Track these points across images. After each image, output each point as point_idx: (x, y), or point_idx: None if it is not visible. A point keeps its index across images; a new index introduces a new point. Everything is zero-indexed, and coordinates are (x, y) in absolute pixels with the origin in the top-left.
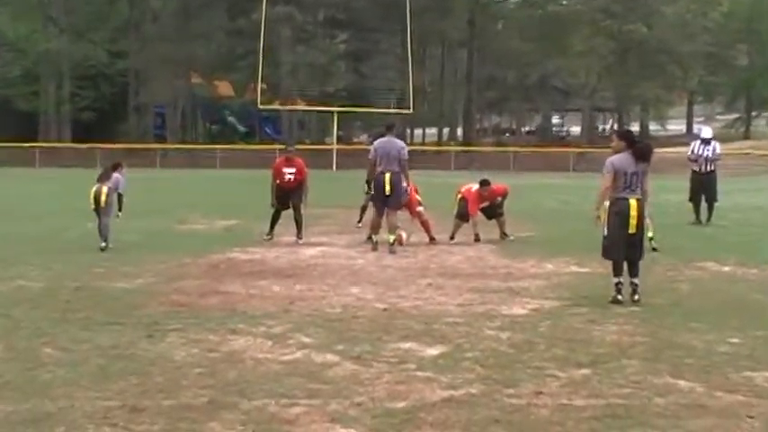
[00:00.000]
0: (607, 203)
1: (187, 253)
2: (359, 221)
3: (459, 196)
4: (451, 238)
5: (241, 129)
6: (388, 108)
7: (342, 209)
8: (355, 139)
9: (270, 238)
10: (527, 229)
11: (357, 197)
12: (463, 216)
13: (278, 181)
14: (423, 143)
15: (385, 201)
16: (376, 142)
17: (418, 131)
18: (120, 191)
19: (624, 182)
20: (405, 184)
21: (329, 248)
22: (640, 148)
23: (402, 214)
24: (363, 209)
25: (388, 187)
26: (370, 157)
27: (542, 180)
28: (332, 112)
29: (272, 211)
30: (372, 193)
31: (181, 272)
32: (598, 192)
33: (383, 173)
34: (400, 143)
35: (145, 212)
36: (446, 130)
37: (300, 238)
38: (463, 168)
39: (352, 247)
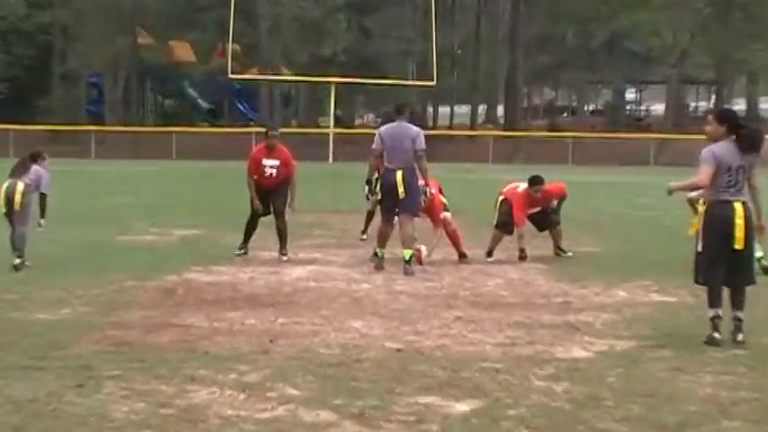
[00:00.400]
0: (702, 208)
1: (131, 273)
2: (363, 232)
3: (501, 199)
4: (489, 254)
5: (204, 105)
6: (404, 79)
7: (341, 214)
8: (359, 121)
9: (243, 253)
10: (591, 242)
11: (361, 199)
12: (506, 225)
13: (255, 177)
14: (450, 126)
15: (396, 205)
16: (382, 129)
17: (444, 110)
18: (42, 189)
19: (728, 179)
20: (422, 183)
21: (323, 268)
22: (747, 135)
23: (421, 222)
24: (369, 215)
25: (400, 188)
26: (373, 147)
27: (612, 177)
28: (328, 85)
29: (246, 216)
30: (377, 196)
31: (122, 299)
32: (689, 186)
33: (393, 170)
34: (415, 129)
35: (74, 218)
36: (482, 109)
37: (285, 254)
38: (505, 161)
39: (353, 267)
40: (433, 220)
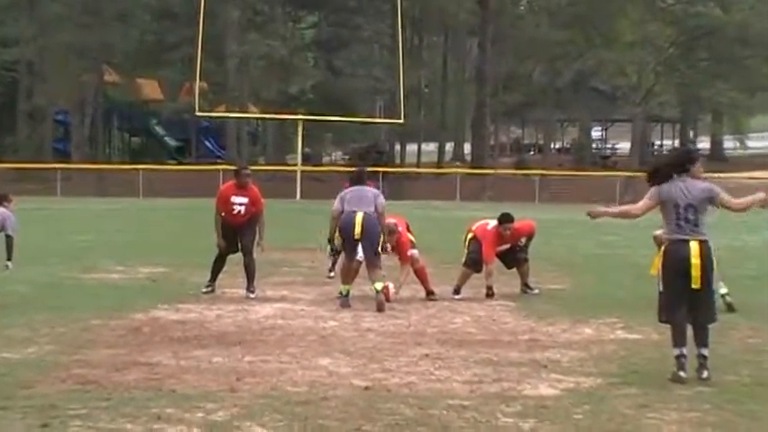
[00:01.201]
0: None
1: (97, 312)
2: (331, 270)
3: (470, 236)
4: (456, 291)
5: (172, 143)
6: (373, 117)
7: (308, 252)
8: (327, 159)
9: (210, 291)
10: (557, 280)
11: (325, 232)
12: (475, 263)
13: (223, 214)
14: (418, 164)
15: (356, 245)
16: (343, 192)
17: (412, 148)
18: (8, 232)
19: (676, 217)
20: (392, 221)
21: (291, 305)
22: (678, 155)
23: (388, 260)
24: (337, 253)
25: (358, 228)
26: (335, 207)
27: (578, 215)
28: (296, 122)
29: (214, 254)
30: (336, 249)
31: (88, 337)
32: (619, 214)
33: (353, 211)
34: (374, 191)
35: (40, 256)
36: (449, 147)
37: (252, 292)
38: (472, 198)
39: (321, 304)
40: (401, 258)
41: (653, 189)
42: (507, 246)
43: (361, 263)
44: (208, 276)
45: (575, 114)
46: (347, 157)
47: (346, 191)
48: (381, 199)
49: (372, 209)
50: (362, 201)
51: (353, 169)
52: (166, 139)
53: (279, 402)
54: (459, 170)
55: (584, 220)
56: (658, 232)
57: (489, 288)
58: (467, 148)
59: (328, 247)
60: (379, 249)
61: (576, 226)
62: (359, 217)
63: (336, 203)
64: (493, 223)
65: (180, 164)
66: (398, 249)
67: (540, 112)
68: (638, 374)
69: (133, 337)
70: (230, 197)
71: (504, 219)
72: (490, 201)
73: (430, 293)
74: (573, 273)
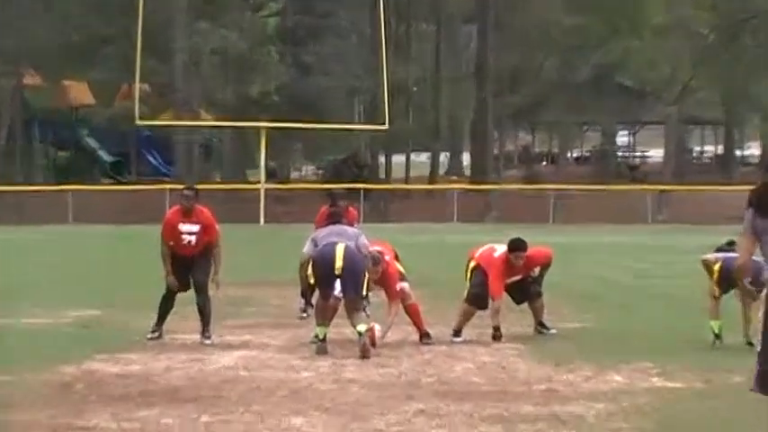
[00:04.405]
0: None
1: (18, 365)
2: (304, 310)
3: (473, 265)
4: (456, 333)
5: (107, 158)
6: (351, 122)
7: (276, 287)
8: (296, 175)
9: (157, 337)
10: (578, 316)
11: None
12: (479, 299)
13: (171, 244)
14: (407, 179)
15: (333, 279)
16: (314, 233)
17: (399, 159)
18: None
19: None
20: (377, 249)
21: (256, 353)
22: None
23: (374, 296)
24: (311, 289)
25: (339, 262)
26: (304, 251)
27: (601, 238)
28: (258, 130)
29: (161, 292)
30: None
31: (7, 396)
32: (739, 259)
33: (333, 243)
34: (355, 229)
35: None
36: (444, 158)
37: (208, 337)
38: (473, 219)
39: (293, 351)
40: (388, 293)
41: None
42: (518, 277)
43: (339, 299)
44: (154, 319)
45: (595, 116)
46: (320, 171)
47: (320, 230)
48: (364, 239)
49: (353, 244)
50: (342, 235)
51: (329, 207)
52: (100, 152)
53: None
54: (457, 185)
55: (610, 244)
56: (709, 257)
57: (496, 329)
58: (466, 158)
59: (301, 301)
60: (364, 292)
61: (598, 251)
62: (340, 249)
63: (306, 247)
64: (501, 249)
65: (117, 183)
66: (385, 283)
67: (554, 114)
68: (678, 430)
69: (63, 395)
70: (177, 225)
71: (516, 245)
72: (495, 222)
73: (424, 336)
74: (597, 307)
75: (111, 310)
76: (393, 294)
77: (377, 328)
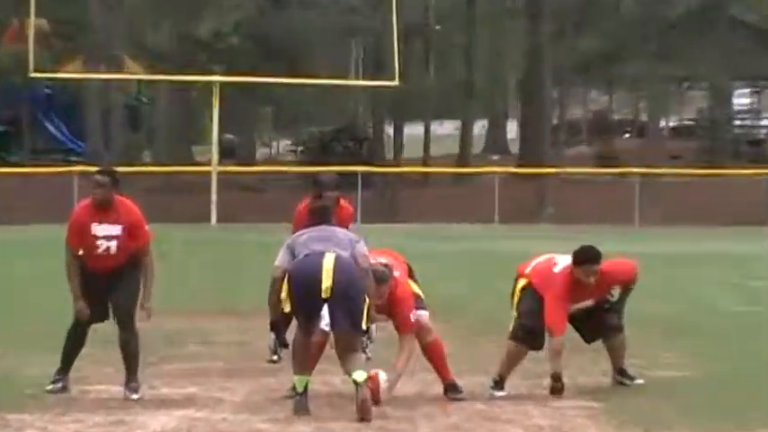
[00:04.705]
0: None
1: None
2: (275, 351)
3: (523, 285)
4: (498, 384)
5: None
6: (344, 78)
7: (233, 316)
8: (263, 153)
9: (60, 389)
10: (675, 360)
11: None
12: (531, 334)
13: (81, 253)
14: (425, 160)
15: (319, 305)
16: (292, 238)
17: (414, 131)
18: None
19: None
20: (365, 285)
21: (204, 414)
22: None
23: (380, 331)
24: (286, 320)
25: (326, 280)
26: (277, 264)
27: (711, 246)
28: (209, 87)
29: (67, 325)
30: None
31: None
32: None
33: (319, 253)
34: (350, 234)
35: None
36: (480, 128)
37: (135, 390)
38: (521, 218)
39: (258, 411)
40: (399, 326)
41: None
42: (589, 303)
43: (327, 336)
44: (56, 364)
45: (700, 69)
46: (300, 148)
47: (299, 234)
48: (363, 247)
49: (347, 254)
50: (332, 241)
51: (312, 200)
52: None
53: None
54: (499, 169)
55: (721, 255)
56: None
57: (556, 378)
58: (511, 129)
59: (271, 337)
60: (364, 323)
61: (703, 264)
62: (329, 261)
63: (280, 258)
64: (563, 262)
65: (2, 164)
66: (394, 311)
67: (640, 66)
68: None
69: None
70: (89, 226)
71: (585, 256)
72: (553, 222)
73: (451, 388)
74: (701, 345)
75: None
76: (405, 327)
77: (382, 376)
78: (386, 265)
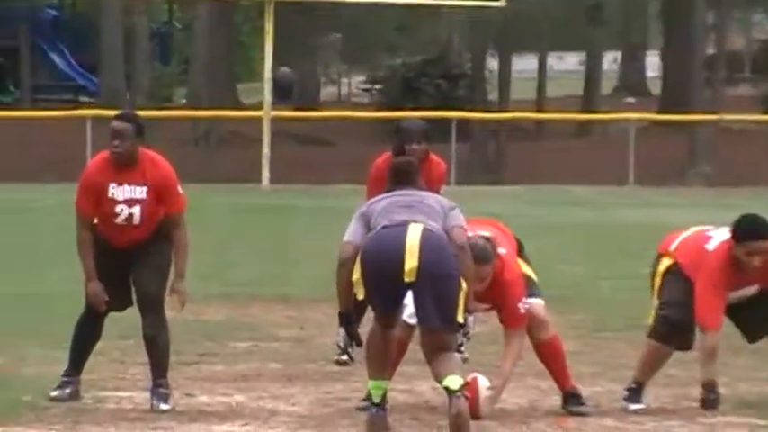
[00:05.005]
0: None
1: None
2: (344, 349)
3: (667, 266)
4: (634, 393)
5: None
6: None
7: (289, 304)
8: (329, 92)
9: (69, 395)
10: None
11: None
12: (676, 329)
13: (96, 222)
14: (539, 104)
15: (401, 292)
16: (366, 204)
17: (524, 65)
18: None
19: None
20: (461, 266)
21: (253, 428)
22: None
23: (479, 325)
24: (359, 309)
25: (410, 259)
26: (347, 240)
27: None
28: (261, 4)
29: (77, 314)
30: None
31: None
32: None
33: (400, 224)
34: (442, 199)
35: None
36: (611, 62)
37: (164, 397)
38: (664, 179)
39: (323, 426)
40: (506, 317)
41: None
42: (752, 290)
43: (411, 331)
44: (64, 363)
45: None
46: (375, 87)
47: (376, 199)
48: (458, 216)
49: (438, 226)
50: (418, 209)
51: (393, 155)
52: None
53: None
54: (635, 115)
55: None
56: None
57: (709, 386)
58: (652, 64)
59: (340, 333)
60: (460, 315)
61: None
62: (413, 234)
63: (352, 229)
64: (719, 237)
65: None
66: (499, 299)
67: None
68: None
69: None
70: (106, 187)
71: (749, 230)
72: (705, 185)
73: (571, 398)
74: None
75: None
76: (514, 320)
77: (483, 382)
78: (488, 240)
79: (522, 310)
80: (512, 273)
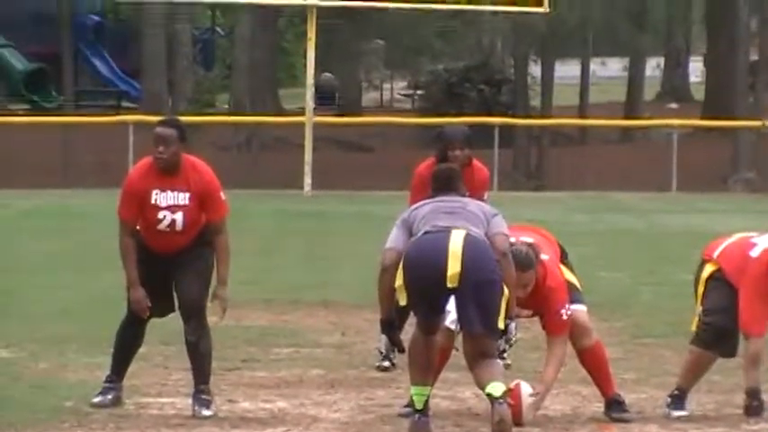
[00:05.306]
0: None
1: None
2: (386, 355)
3: (710, 272)
4: (678, 400)
5: (19, 65)
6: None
7: (331, 309)
8: (371, 97)
9: (114, 400)
10: None
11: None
12: (721, 336)
13: (138, 228)
14: (581, 110)
15: (444, 298)
16: (409, 211)
17: (567, 71)
18: None
19: None
20: (503, 273)
21: None
22: None
23: (522, 332)
24: (401, 315)
25: (454, 265)
26: (389, 247)
27: None
28: (304, 10)
29: (119, 319)
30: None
31: None
32: None
33: (443, 230)
34: (484, 205)
35: None
36: (655, 68)
37: (207, 404)
38: (708, 186)
39: (367, 431)
40: (548, 323)
41: None
42: None
43: (454, 337)
44: (106, 369)
45: None
46: (417, 93)
47: (418, 205)
48: (500, 223)
49: (481, 232)
50: (460, 215)
51: (435, 161)
52: (8, 57)
53: None
54: (678, 121)
55: None
56: None
57: (754, 393)
58: (695, 70)
59: (382, 340)
60: (501, 322)
61: None
62: (456, 240)
63: (393, 237)
64: (763, 243)
65: (35, 110)
66: (542, 305)
67: None
68: None
69: None
70: (149, 193)
71: None
72: (749, 191)
73: (613, 405)
74: None
75: (29, 348)
76: (557, 326)
77: (525, 389)
78: (531, 246)
79: (565, 317)
80: (554, 279)
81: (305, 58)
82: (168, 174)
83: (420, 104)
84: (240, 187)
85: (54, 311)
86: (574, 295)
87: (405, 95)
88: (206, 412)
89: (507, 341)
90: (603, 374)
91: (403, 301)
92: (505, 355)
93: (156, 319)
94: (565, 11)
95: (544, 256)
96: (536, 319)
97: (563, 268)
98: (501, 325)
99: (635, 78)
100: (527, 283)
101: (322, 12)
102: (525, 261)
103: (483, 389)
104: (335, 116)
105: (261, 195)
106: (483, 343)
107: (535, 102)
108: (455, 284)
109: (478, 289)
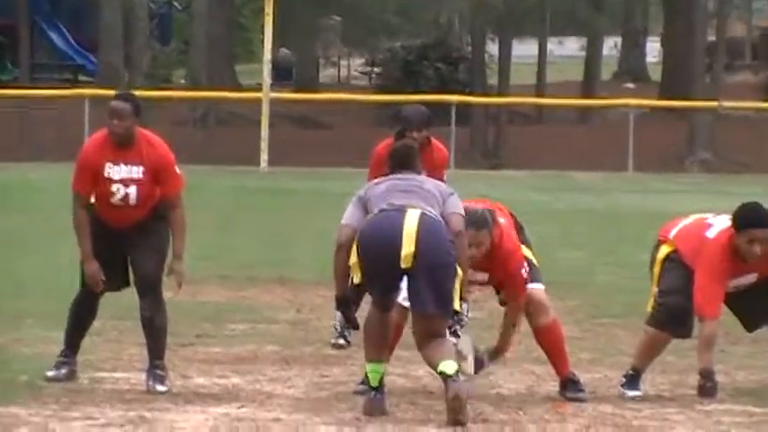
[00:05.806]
0: None
1: None
2: (341, 332)
3: (666, 253)
4: (632, 380)
5: None
6: None
7: (287, 286)
8: (328, 73)
9: (65, 376)
10: None
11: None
12: (676, 317)
13: (93, 202)
14: (538, 89)
15: (397, 276)
16: (364, 188)
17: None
18: None
19: None
20: (455, 258)
21: (249, 411)
22: None
23: (476, 311)
24: (356, 293)
25: (407, 244)
26: (344, 223)
27: None
28: None
29: (72, 293)
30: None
31: None
32: None
33: (399, 209)
34: (440, 184)
35: None
36: (612, 47)
37: (161, 379)
38: (663, 166)
39: (319, 410)
40: (506, 286)
41: None
42: (751, 279)
43: (407, 313)
44: (60, 343)
45: None
46: (375, 70)
47: (375, 182)
48: (456, 202)
49: (436, 212)
50: (416, 194)
51: (395, 139)
52: None
53: None
54: (635, 101)
55: None
56: None
57: (707, 374)
58: (652, 50)
59: (337, 316)
60: (456, 302)
61: None
62: (411, 219)
63: (349, 212)
64: (719, 225)
65: None
66: (498, 267)
67: None
68: None
69: None
70: (103, 166)
71: (750, 218)
72: (705, 171)
73: (568, 384)
74: None
75: None
76: (515, 287)
77: (469, 358)
78: (487, 209)
79: (525, 275)
80: (511, 242)
81: (262, 33)
82: (122, 147)
83: (377, 82)
84: (196, 162)
85: (10, 285)
86: (532, 273)
87: (362, 73)
88: (160, 387)
89: (459, 321)
90: (559, 353)
91: (357, 279)
92: (460, 334)
93: (109, 294)
94: None
95: (501, 220)
96: (489, 297)
97: (521, 245)
98: (456, 306)
99: (592, 58)
100: (481, 242)
101: None
102: (480, 220)
103: (435, 367)
104: (292, 92)
105: (217, 171)
106: (435, 323)
107: (492, 80)
108: (409, 265)
109: (433, 271)
